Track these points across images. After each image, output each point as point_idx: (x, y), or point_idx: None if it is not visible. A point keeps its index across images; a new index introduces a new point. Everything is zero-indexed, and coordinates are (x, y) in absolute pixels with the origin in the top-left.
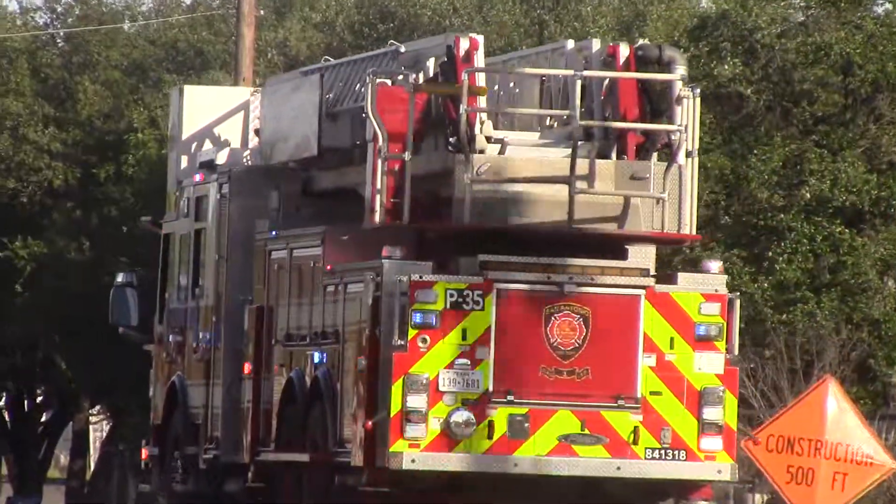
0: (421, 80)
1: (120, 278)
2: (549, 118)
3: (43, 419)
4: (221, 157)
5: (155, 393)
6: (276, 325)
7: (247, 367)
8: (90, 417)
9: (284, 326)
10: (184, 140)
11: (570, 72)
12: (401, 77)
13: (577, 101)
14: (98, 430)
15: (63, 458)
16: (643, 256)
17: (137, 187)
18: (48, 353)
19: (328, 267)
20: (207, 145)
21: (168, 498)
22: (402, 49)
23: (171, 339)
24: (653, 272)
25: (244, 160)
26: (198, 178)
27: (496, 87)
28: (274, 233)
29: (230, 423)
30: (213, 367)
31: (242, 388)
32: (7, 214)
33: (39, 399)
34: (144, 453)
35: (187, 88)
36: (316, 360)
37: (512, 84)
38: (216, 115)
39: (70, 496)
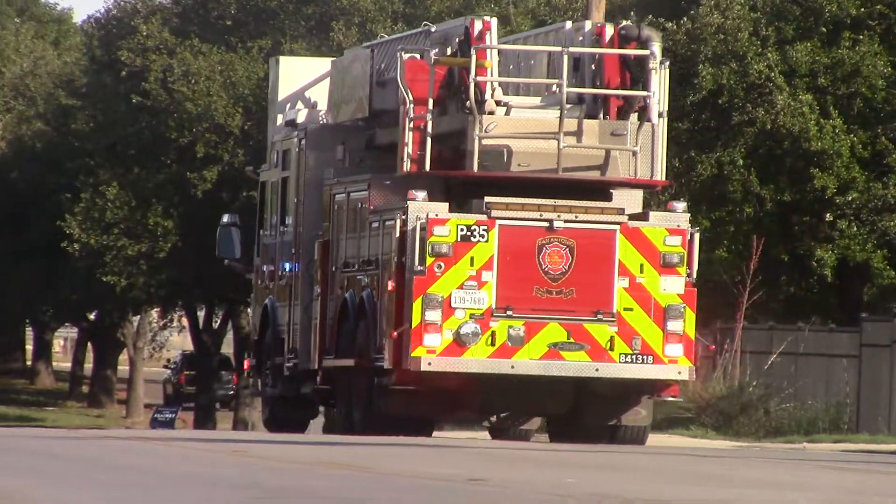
0: (446, 55)
1: (225, 219)
2: (554, 85)
3: None
4: (301, 117)
5: (254, 313)
6: (338, 254)
7: (316, 290)
8: None
9: (343, 256)
10: (279, 102)
11: (559, 48)
12: (424, 53)
13: (565, 72)
14: None
15: None
16: (631, 199)
17: None
18: None
19: (371, 206)
20: (299, 106)
21: (263, 399)
22: (433, 29)
23: (264, 269)
24: (636, 211)
25: (320, 119)
26: (284, 133)
27: (517, 60)
28: (336, 178)
29: (306, 337)
30: (293, 290)
31: (314, 308)
32: None
33: None
34: (246, 364)
35: (282, 59)
36: (363, 283)
37: (518, 57)
38: (306, 81)
39: None
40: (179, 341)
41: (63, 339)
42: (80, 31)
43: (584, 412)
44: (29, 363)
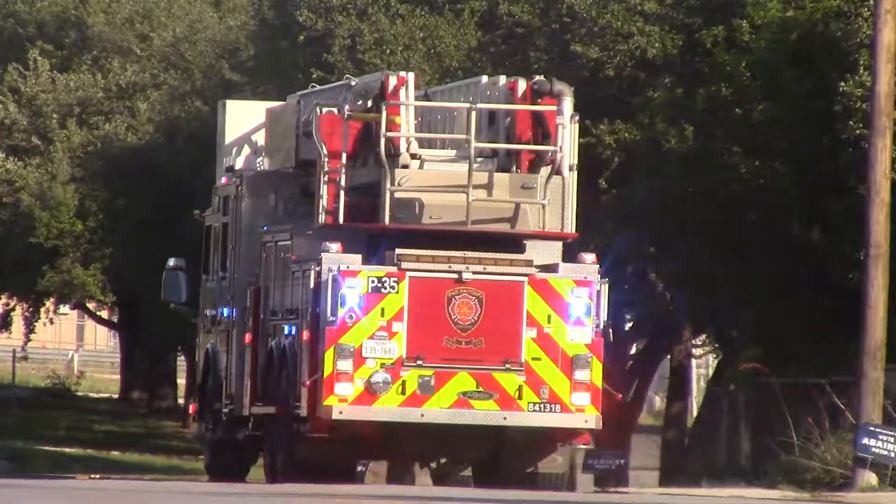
0: (365, 109)
1: (171, 262)
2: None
3: (632, 351)
4: (239, 162)
5: (198, 358)
6: (267, 302)
7: (247, 338)
8: (692, 349)
9: (272, 304)
10: (225, 146)
11: (466, 105)
12: (340, 107)
13: (473, 127)
14: (702, 365)
15: (659, 400)
16: (547, 251)
17: (757, 57)
18: (639, 268)
19: (293, 257)
20: (242, 151)
21: (203, 444)
22: (353, 83)
23: (206, 313)
24: (553, 262)
25: (258, 165)
26: (223, 180)
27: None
28: (265, 227)
29: (240, 383)
30: (230, 337)
31: (247, 354)
32: (589, 91)
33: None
34: (192, 408)
35: (229, 103)
36: (285, 332)
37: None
38: (252, 125)
39: (667, 448)
40: None
41: None
42: None
43: (502, 459)
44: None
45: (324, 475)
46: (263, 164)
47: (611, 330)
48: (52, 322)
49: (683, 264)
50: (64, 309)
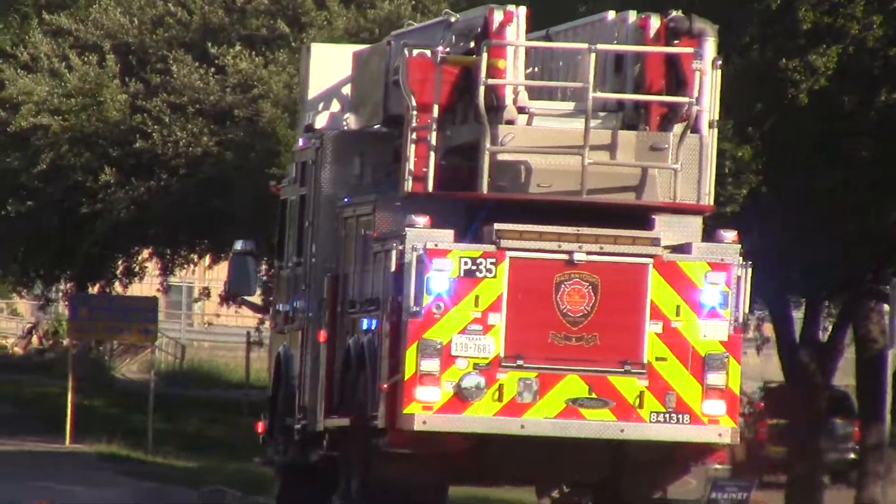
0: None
1: (238, 246)
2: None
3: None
4: (320, 121)
5: (270, 364)
6: (346, 292)
7: (322, 335)
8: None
9: (351, 293)
10: (309, 100)
11: (585, 45)
12: (433, 49)
13: (592, 74)
14: None
15: None
16: (684, 228)
17: None
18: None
19: (373, 234)
20: (335, 105)
21: (274, 469)
22: (453, 19)
23: (279, 309)
24: (688, 241)
25: (343, 123)
26: (301, 142)
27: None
28: (347, 199)
29: (314, 392)
30: (305, 336)
31: (321, 356)
32: None
33: None
34: (260, 426)
35: (314, 46)
36: (364, 327)
37: (553, 55)
38: (343, 75)
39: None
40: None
41: None
42: None
43: (623, 482)
44: None
45: (410, 499)
46: (349, 121)
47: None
48: None
49: None
50: None
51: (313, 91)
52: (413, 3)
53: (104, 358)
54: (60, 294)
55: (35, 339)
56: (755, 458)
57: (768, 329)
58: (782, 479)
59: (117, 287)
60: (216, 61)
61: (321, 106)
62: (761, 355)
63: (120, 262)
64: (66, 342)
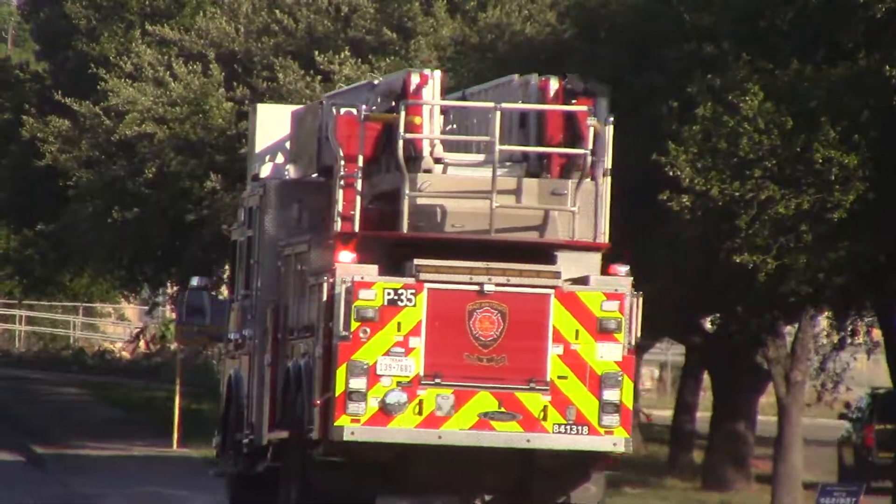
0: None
1: (194, 282)
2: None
3: None
4: (265, 171)
5: (222, 386)
6: (286, 320)
7: (267, 359)
8: None
9: (290, 321)
10: (257, 154)
11: (492, 104)
12: (357, 108)
13: (497, 129)
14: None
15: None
16: (584, 263)
17: None
18: None
19: (307, 268)
20: (279, 158)
21: (225, 480)
22: (376, 81)
23: (231, 336)
24: (588, 275)
25: (285, 173)
26: (248, 189)
27: (465, 115)
28: (286, 239)
29: (260, 409)
30: (252, 361)
31: (266, 378)
32: None
33: None
34: (214, 441)
35: (260, 107)
36: (301, 350)
37: (468, 113)
38: (284, 131)
39: None
40: (864, 369)
41: (660, 366)
42: None
43: (530, 488)
44: None
45: None
46: (290, 172)
47: None
48: None
49: None
50: None
51: (259, 145)
52: (519, 10)
53: (211, 361)
54: (167, 298)
55: (142, 344)
56: (863, 464)
57: (877, 334)
58: (889, 485)
59: (223, 291)
60: (321, 68)
61: (267, 158)
62: (871, 360)
63: (226, 267)
64: (173, 346)
